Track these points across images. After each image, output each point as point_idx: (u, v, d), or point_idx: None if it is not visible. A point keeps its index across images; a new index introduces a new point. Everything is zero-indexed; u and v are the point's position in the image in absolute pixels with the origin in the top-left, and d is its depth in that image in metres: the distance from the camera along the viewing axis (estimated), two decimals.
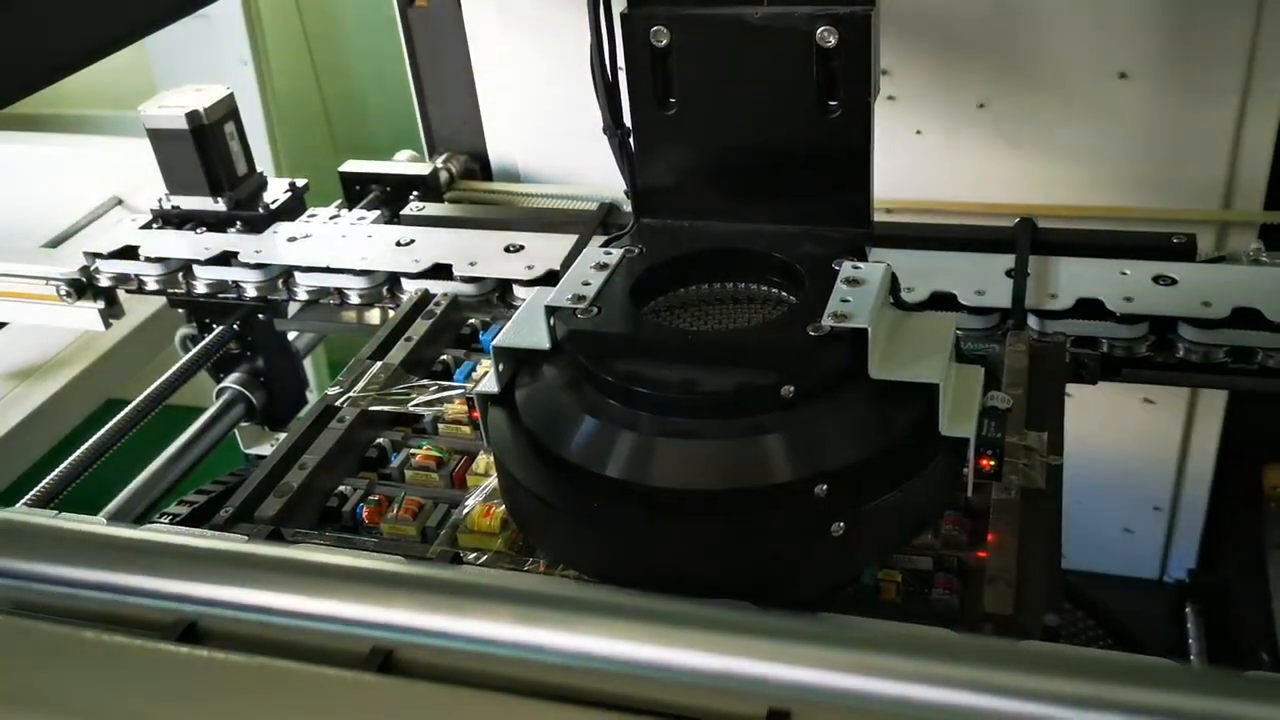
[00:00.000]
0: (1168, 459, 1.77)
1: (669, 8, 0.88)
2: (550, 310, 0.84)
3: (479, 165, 1.82)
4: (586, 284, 0.86)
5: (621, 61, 0.92)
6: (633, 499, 0.77)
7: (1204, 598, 1.71)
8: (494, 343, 0.86)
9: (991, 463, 0.81)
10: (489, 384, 0.87)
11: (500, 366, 0.87)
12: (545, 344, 0.84)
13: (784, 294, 0.88)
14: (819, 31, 0.84)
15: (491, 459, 1.05)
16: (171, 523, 1.35)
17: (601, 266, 0.88)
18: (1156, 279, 1.14)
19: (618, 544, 0.81)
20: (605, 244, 0.94)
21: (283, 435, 1.63)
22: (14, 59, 0.86)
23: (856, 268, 0.83)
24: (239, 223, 1.51)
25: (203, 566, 0.67)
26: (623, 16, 0.90)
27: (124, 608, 0.67)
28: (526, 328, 0.86)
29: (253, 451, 1.67)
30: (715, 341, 0.84)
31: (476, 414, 0.93)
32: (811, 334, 0.78)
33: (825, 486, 0.74)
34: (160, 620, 0.67)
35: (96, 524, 0.75)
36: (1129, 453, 1.78)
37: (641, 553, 0.80)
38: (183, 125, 1.45)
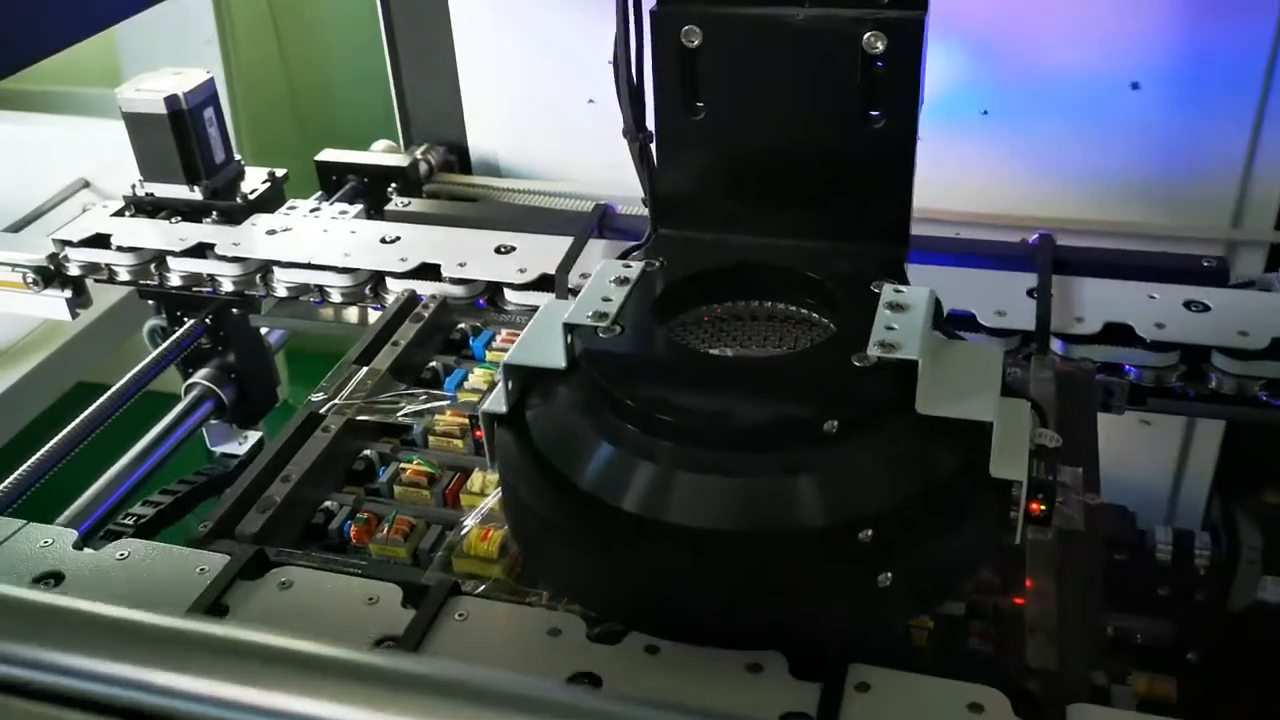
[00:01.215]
0: (1162, 482, 1.73)
1: (703, 6, 0.82)
2: (569, 328, 0.78)
3: (457, 157, 1.75)
4: (607, 300, 0.80)
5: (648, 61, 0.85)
6: (655, 536, 0.71)
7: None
8: (505, 360, 0.80)
9: (1042, 507, 0.75)
10: (496, 402, 0.81)
11: (509, 384, 0.81)
12: (561, 363, 0.78)
13: (815, 315, 0.82)
14: (866, 36, 0.78)
15: (487, 477, 0.99)
16: (136, 524, 1.29)
17: (622, 281, 0.82)
18: (1188, 304, 1.09)
19: (634, 583, 0.75)
20: (622, 256, 0.88)
21: (253, 434, 1.58)
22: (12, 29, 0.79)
23: (899, 291, 0.78)
24: (215, 213, 1.43)
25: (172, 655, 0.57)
26: (652, 14, 0.84)
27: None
28: (540, 344, 0.80)
29: (221, 450, 1.59)
30: (750, 368, 0.78)
31: (480, 433, 0.87)
32: (857, 364, 0.72)
33: (870, 531, 0.69)
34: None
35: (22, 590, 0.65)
36: (1123, 475, 1.74)
37: (660, 595, 0.74)
38: (160, 110, 1.37)
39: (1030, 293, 1.12)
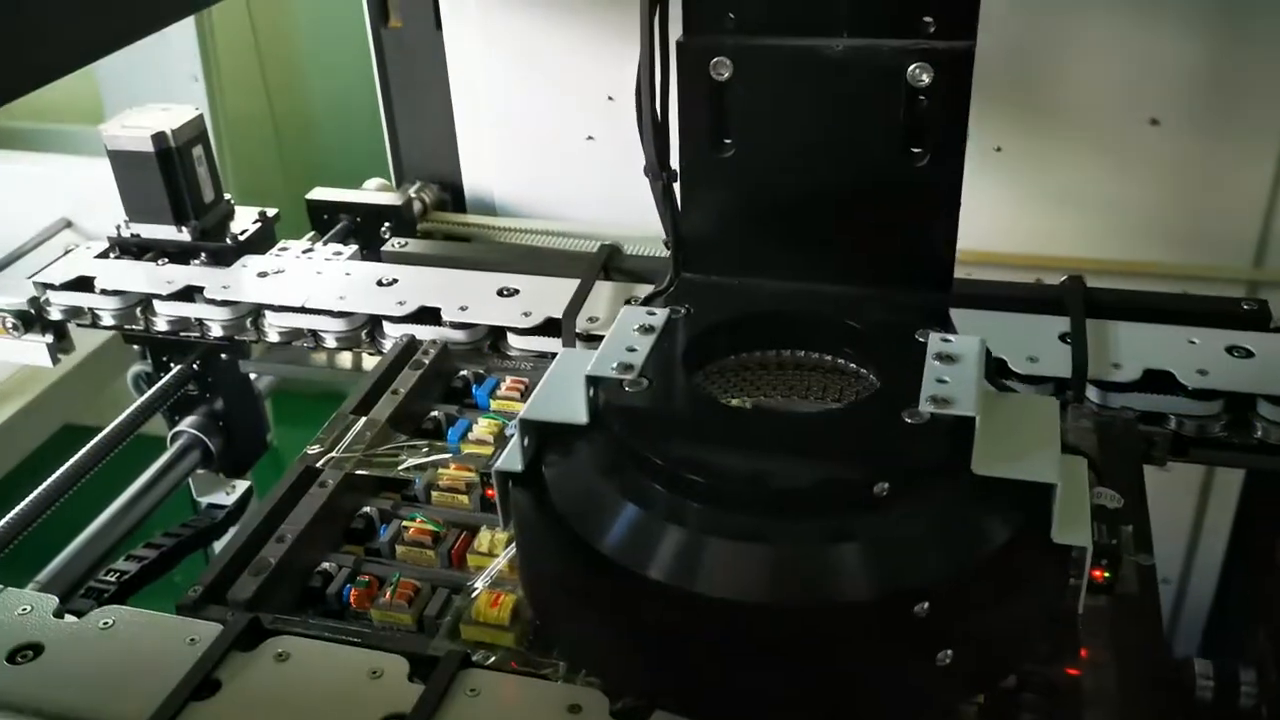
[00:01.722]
0: (1180, 530, 1.68)
1: (735, 36, 0.76)
2: (592, 380, 0.72)
3: (451, 195, 1.70)
4: (632, 350, 0.74)
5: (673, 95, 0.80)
6: (686, 607, 0.65)
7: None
8: (521, 415, 0.74)
9: (1105, 574, 0.70)
10: (511, 460, 0.75)
11: (525, 441, 0.75)
12: (583, 418, 0.72)
13: (854, 365, 0.77)
14: (910, 69, 0.73)
15: (495, 535, 0.93)
16: (119, 581, 1.22)
17: (647, 330, 0.76)
18: (1230, 349, 1.04)
19: (662, 658, 0.69)
20: (645, 302, 0.83)
21: (241, 483, 1.52)
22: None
23: (947, 340, 0.72)
24: (204, 254, 1.38)
25: None
26: (679, 45, 0.79)
27: None
28: (559, 398, 0.74)
29: (207, 500, 1.53)
30: (791, 425, 0.72)
31: (492, 492, 0.81)
32: (909, 421, 0.66)
33: (926, 604, 0.63)
34: None
35: None
36: None
37: (691, 672, 0.68)
38: (148, 148, 1.32)
39: (1063, 337, 1.07)
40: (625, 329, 0.77)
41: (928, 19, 0.73)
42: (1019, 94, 1.43)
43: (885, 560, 0.64)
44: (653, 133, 0.81)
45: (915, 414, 0.66)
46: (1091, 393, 1.04)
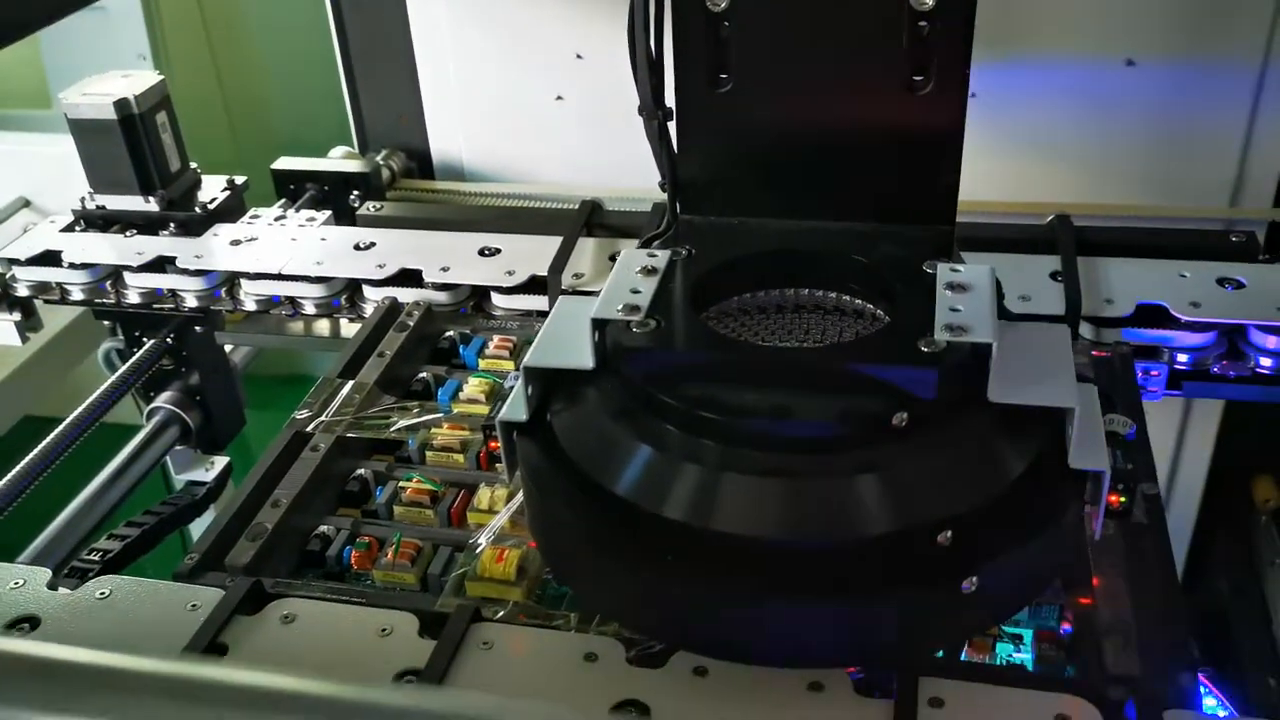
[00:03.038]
0: (1158, 470, 1.68)
1: None
2: (599, 323, 0.71)
3: (417, 163, 1.67)
4: (636, 292, 0.73)
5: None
6: (708, 546, 0.64)
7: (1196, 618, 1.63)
8: (525, 363, 0.72)
9: (1122, 499, 0.69)
10: (516, 410, 0.73)
11: (530, 389, 0.73)
12: (589, 363, 0.71)
13: (862, 301, 0.76)
14: None
15: (495, 493, 0.92)
16: (102, 560, 1.20)
17: (649, 271, 0.75)
18: (1221, 281, 1.04)
19: (683, 598, 0.67)
20: (644, 244, 0.81)
21: (220, 459, 1.50)
22: None
23: (957, 270, 0.71)
24: (173, 224, 1.35)
25: None
26: None
27: None
28: (563, 344, 0.73)
29: (185, 478, 1.50)
30: (803, 360, 0.71)
31: (496, 444, 0.80)
32: (925, 350, 0.65)
33: (950, 533, 0.62)
34: None
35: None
36: None
37: (714, 611, 0.67)
38: (110, 115, 1.28)
39: (1054, 275, 1.07)
40: (628, 271, 0.75)
41: None
42: (994, 39, 1.42)
43: (906, 491, 0.63)
44: (647, 69, 0.80)
45: (932, 343, 0.65)
46: (1085, 329, 1.04)
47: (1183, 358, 1.01)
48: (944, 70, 0.74)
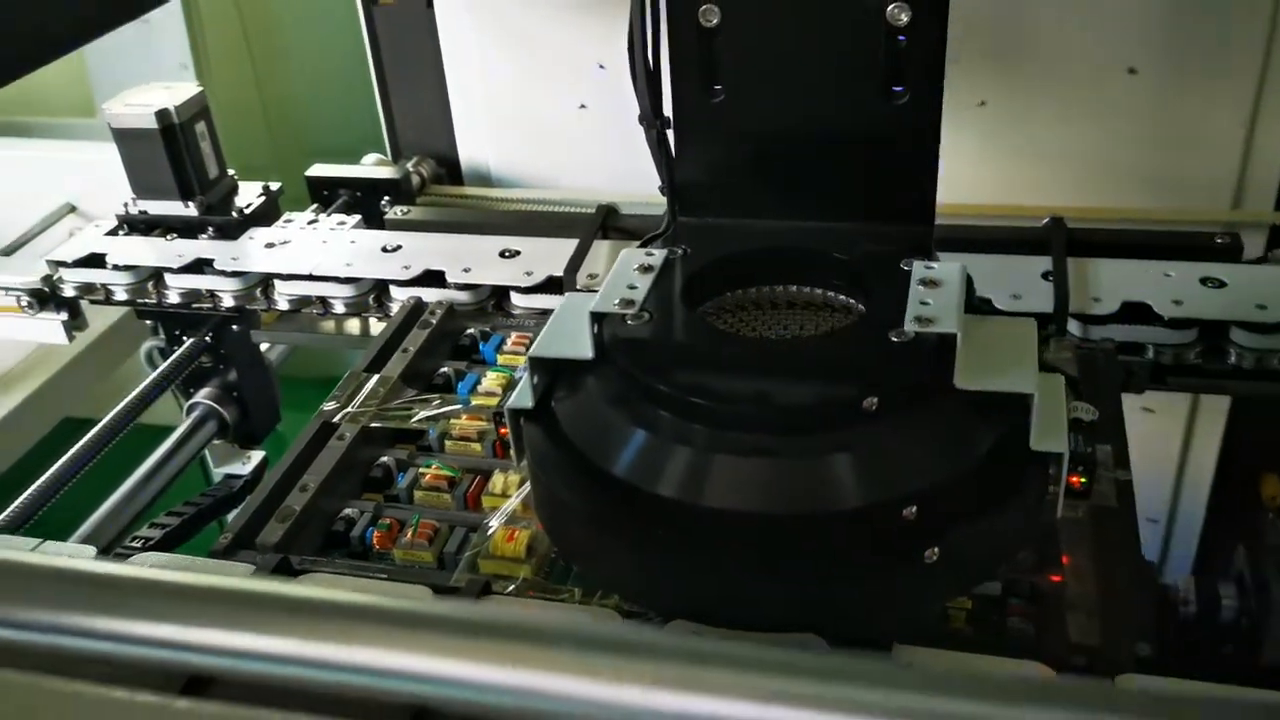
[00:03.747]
0: (1166, 470, 1.72)
1: None
2: (597, 317, 0.76)
3: (447, 170, 1.74)
4: (633, 287, 0.79)
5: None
6: (695, 521, 0.70)
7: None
8: (530, 353, 0.78)
9: (1083, 480, 0.74)
10: (522, 398, 0.79)
11: (535, 378, 0.79)
12: (589, 353, 0.77)
13: (844, 296, 0.81)
14: (889, 9, 0.77)
15: (509, 478, 0.98)
16: (144, 547, 1.26)
17: (646, 269, 0.81)
18: (1204, 281, 1.09)
19: (674, 570, 0.73)
20: (643, 244, 0.87)
21: (256, 453, 1.56)
22: None
23: (930, 267, 0.77)
24: (211, 228, 1.42)
25: (211, 610, 0.57)
26: None
27: (119, 656, 0.58)
28: (565, 336, 0.79)
29: (224, 470, 1.57)
30: (783, 350, 0.76)
31: (505, 430, 0.86)
32: (894, 340, 0.71)
33: (915, 508, 0.67)
34: (162, 670, 0.58)
35: (85, 560, 0.65)
36: None
37: (701, 581, 0.72)
38: (152, 124, 1.36)
39: (1045, 275, 1.12)
40: (626, 269, 0.81)
41: None
42: (1001, 48, 1.46)
43: (875, 469, 0.68)
44: (646, 81, 0.86)
45: (901, 333, 0.71)
46: (1074, 327, 1.09)
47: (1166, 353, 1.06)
48: (919, 82, 0.80)
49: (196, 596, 0.55)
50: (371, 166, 1.68)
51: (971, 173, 1.51)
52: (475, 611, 0.50)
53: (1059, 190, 1.49)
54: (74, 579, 0.58)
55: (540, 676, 0.48)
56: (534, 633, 0.48)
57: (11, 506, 1.15)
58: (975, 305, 0.80)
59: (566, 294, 0.86)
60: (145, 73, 2.32)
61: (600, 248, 1.29)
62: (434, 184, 1.70)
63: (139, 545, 1.26)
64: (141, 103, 1.38)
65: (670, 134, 0.88)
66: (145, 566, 0.77)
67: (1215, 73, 1.39)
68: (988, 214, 1.46)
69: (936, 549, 0.67)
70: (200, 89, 1.41)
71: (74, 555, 0.89)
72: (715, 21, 0.82)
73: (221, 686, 0.62)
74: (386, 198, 1.59)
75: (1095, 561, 0.81)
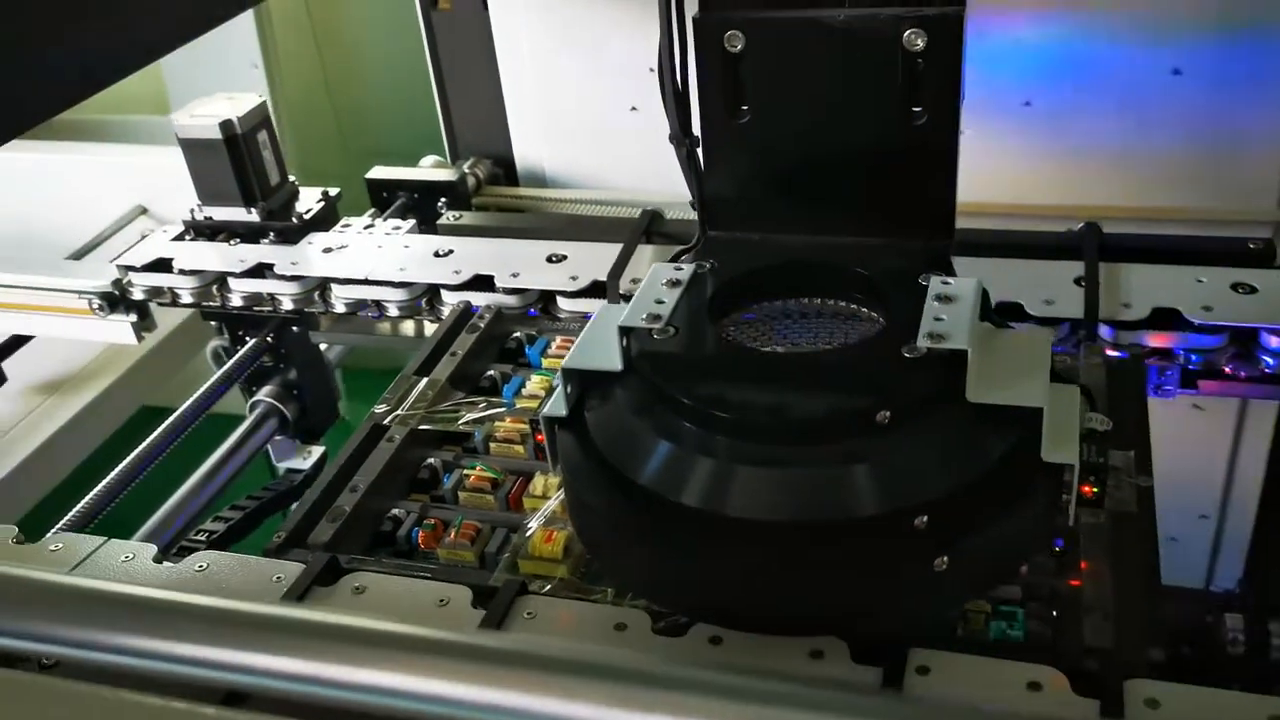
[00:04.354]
0: (1216, 466, 1.72)
1: (745, 10, 0.84)
2: (625, 330, 0.80)
3: (504, 170, 1.78)
4: (660, 302, 0.82)
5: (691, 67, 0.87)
6: (715, 529, 0.73)
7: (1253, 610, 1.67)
8: (563, 364, 0.82)
9: (1094, 489, 0.76)
10: (556, 406, 0.83)
11: (568, 388, 0.83)
12: (617, 365, 0.80)
13: (865, 309, 0.84)
14: (906, 34, 0.80)
15: (549, 480, 1.01)
16: (209, 541, 1.32)
17: (674, 284, 0.84)
18: (1235, 286, 1.10)
19: (695, 576, 0.77)
20: (674, 259, 0.90)
21: (316, 449, 1.62)
22: (60, 67, 0.82)
23: (946, 283, 0.79)
24: (272, 233, 1.47)
25: (246, 635, 0.62)
26: (695, 21, 0.86)
27: (165, 673, 0.63)
28: (597, 348, 0.82)
29: (285, 465, 1.63)
30: (801, 364, 0.80)
31: (541, 436, 0.90)
32: (907, 355, 0.74)
33: (926, 518, 0.70)
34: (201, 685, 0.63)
35: (132, 586, 0.69)
36: (1176, 459, 1.73)
37: (721, 586, 0.76)
38: (215, 135, 1.41)
39: (1077, 280, 1.13)
40: (654, 284, 0.85)
41: None
42: (1046, 49, 1.48)
43: (887, 479, 0.71)
44: (675, 103, 0.89)
45: (913, 349, 0.74)
46: (1105, 332, 1.10)
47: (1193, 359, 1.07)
48: (936, 104, 0.82)
49: (233, 621, 0.59)
50: (429, 168, 1.72)
51: (1015, 171, 1.53)
52: (480, 639, 0.53)
53: (1101, 189, 1.51)
54: (126, 602, 0.63)
55: (546, 702, 0.51)
56: (538, 660, 0.52)
57: (83, 501, 1.21)
58: (993, 316, 0.82)
59: (601, 306, 0.89)
60: (218, 72, 2.39)
61: (644, 252, 1.33)
62: (490, 185, 1.74)
63: (203, 539, 1.33)
64: (206, 113, 1.43)
65: (699, 152, 0.91)
66: (188, 594, 0.82)
67: (1259, 75, 1.39)
68: (1027, 213, 1.48)
69: (946, 557, 0.70)
70: (262, 100, 1.46)
71: (136, 554, 0.94)
72: (739, 47, 0.85)
73: (256, 700, 0.67)
74: (443, 199, 1.64)
75: (1113, 566, 0.83)
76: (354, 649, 0.54)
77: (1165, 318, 1.09)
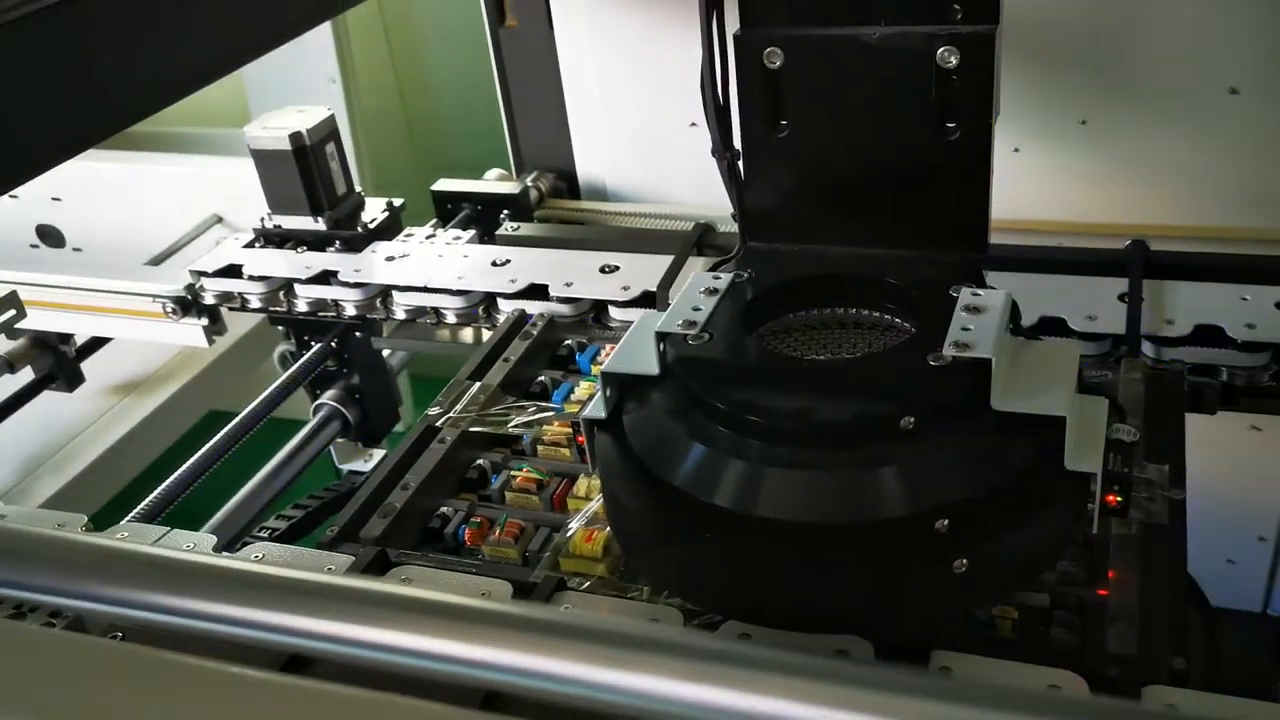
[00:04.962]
0: (1274, 487, 1.71)
1: (783, 28, 0.86)
2: (661, 336, 0.83)
3: (566, 184, 1.82)
4: (697, 309, 0.85)
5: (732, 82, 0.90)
6: (744, 530, 0.76)
7: None
8: (602, 368, 0.85)
9: (1118, 499, 0.78)
10: (596, 409, 0.86)
11: (608, 391, 0.86)
12: (654, 370, 0.83)
13: (899, 320, 0.86)
14: (939, 52, 0.82)
15: (592, 482, 1.04)
16: (271, 537, 1.37)
17: (711, 292, 0.87)
18: (1279, 304, 1.10)
19: (726, 574, 0.79)
20: (713, 268, 0.93)
21: (377, 451, 1.66)
22: (147, 75, 0.87)
23: (976, 294, 0.81)
24: (338, 242, 1.52)
25: (309, 601, 0.66)
26: (735, 37, 0.89)
27: (227, 636, 0.67)
28: (635, 353, 0.85)
29: (347, 467, 1.67)
30: (830, 370, 0.82)
31: (581, 438, 0.92)
32: (932, 363, 0.76)
33: (947, 521, 0.72)
34: (264, 650, 0.67)
35: (201, 555, 0.74)
36: (1233, 481, 1.73)
37: (751, 585, 0.78)
38: (285, 146, 1.46)
39: (1122, 297, 1.14)
40: (693, 291, 0.87)
41: (955, 5, 0.82)
42: (1103, 68, 1.49)
43: (910, 484, 0.73)
44: (716, 117, 0.92)
45: (939, 357, 0.76)
46: (1148, 348, 1.11)
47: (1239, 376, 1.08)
48: (969, 119, 0.84)
49: (296, 589, 0.63)
50: (493, 181, 1.76)
51: (1074, 190, 1.54)
52: (536, 611, 0.57)
53: (1157, 208, 1.51)
54: (194, 570, 0.67)
55: (588, 669, 0.54)
56: (584, 631, 0.55)
57: (150, 496, 1.26)
58: (1023, 329, 0.84)
59: (644, 312, 0.92)
60: (297, 85, 2.46)
61: (695, 264, 1.35)
62: (553, 197, 1.78)
63: (265, 535, 1.37)
64: (277, 126, 1.48)
65: (740, 165, 0.94)
66: (250, 560, 0.87)
67: None
68: (1079, 231, 1.49)
69: (965, 560, 0.72)
70: (330, 113, 1.51)
71: (197, 544, 0.98)
72: (778, 64, 0.88)
73: (319, 665, 0.70)
74: (505, 211, 1.68)
75: (1141, 577, 0.84)
76: (411, 616, 0.58)
77: (1208, 335, 1.09)
